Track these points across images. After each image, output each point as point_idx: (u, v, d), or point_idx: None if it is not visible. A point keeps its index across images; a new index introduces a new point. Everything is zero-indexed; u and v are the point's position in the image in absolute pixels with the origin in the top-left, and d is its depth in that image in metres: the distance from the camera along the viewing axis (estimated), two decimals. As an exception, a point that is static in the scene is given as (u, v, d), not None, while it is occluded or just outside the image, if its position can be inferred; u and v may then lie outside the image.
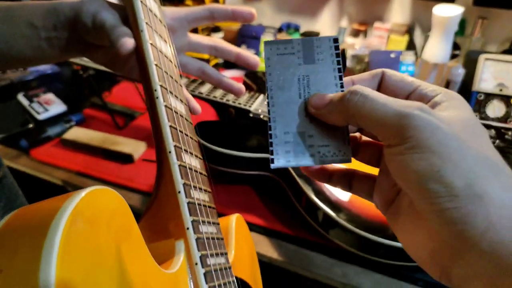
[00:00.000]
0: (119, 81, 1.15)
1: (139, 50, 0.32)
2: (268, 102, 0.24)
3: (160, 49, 0.34)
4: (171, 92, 0.33)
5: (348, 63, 1.09)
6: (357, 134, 0.27)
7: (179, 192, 0.30)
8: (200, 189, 0.33)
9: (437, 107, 0.21)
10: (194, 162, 0.34)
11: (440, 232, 0.18)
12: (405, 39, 1.07)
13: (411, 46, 1.08)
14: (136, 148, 0.84)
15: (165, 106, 0.31)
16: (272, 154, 0.23)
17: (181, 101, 0.35)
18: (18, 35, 0.35)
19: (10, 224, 0.20)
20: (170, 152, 0.30)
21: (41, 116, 0.97)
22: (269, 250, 0.64)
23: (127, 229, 0.24)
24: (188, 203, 0.30)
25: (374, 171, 0.26)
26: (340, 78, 0.24)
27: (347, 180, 0.27)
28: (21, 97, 1.02)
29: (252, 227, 0.68)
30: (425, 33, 1.10)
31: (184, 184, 0.30)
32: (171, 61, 0.36)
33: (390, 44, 1.08)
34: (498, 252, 0.16)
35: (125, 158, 0.82)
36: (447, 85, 0.97)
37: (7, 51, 0.36)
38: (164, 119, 0.31)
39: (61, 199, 0.20)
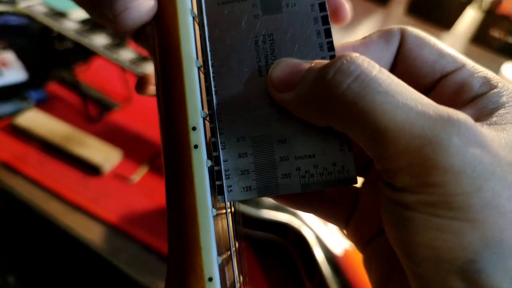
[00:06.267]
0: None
1: (164, 20, 0.16)
2: (207, 88, 0.15)
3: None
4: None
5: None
6: None
7: None
8: None
9: (488, 118, 0.12)
10: None
11: None
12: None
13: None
14: (108, 157, 0.65)
15: None
16: (219, 178, 0.15)
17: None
18: None
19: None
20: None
21: (-9, 83, 0.74)
22: None
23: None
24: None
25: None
26: (328, 34, 0.15)
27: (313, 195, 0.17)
28: (-32, 51, 0.79)
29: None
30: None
31: None
32: None
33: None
34: None
35: (92, 169, 0.63)
36: None
37: None
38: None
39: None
